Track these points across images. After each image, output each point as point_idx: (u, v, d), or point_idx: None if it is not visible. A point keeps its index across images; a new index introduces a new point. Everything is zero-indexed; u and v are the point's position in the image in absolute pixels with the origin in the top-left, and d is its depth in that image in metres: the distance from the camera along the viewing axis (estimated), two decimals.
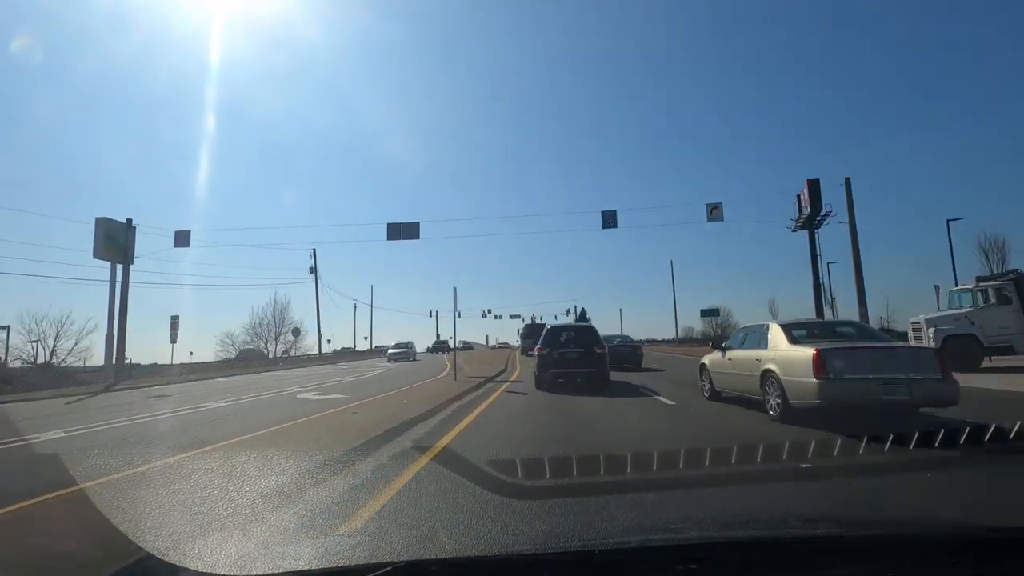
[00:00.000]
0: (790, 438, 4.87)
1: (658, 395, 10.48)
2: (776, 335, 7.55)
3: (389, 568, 1.19)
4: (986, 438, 4.78)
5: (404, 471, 4.61)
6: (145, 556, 2.10)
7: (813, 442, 4.58)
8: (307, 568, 1.27)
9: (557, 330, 13.34)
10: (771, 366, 7.15)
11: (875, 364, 6.40)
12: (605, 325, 59.66)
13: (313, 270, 42.13)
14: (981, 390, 9.81)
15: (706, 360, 9.69)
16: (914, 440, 4.51)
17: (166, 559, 1.39)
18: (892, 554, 1.33)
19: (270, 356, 48.02)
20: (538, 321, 31.87)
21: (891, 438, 4.61)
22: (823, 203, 21.57)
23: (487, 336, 72.20)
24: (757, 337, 8.09)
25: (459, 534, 2.17)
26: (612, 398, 10.17)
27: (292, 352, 50.47)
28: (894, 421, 5.94)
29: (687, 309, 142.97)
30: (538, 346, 12.73)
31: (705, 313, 55.63)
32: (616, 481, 3.97)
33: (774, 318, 29.23)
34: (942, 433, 4.60)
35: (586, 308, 62.27)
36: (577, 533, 1.87)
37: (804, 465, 4.30)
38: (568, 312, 57.86)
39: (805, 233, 22.89)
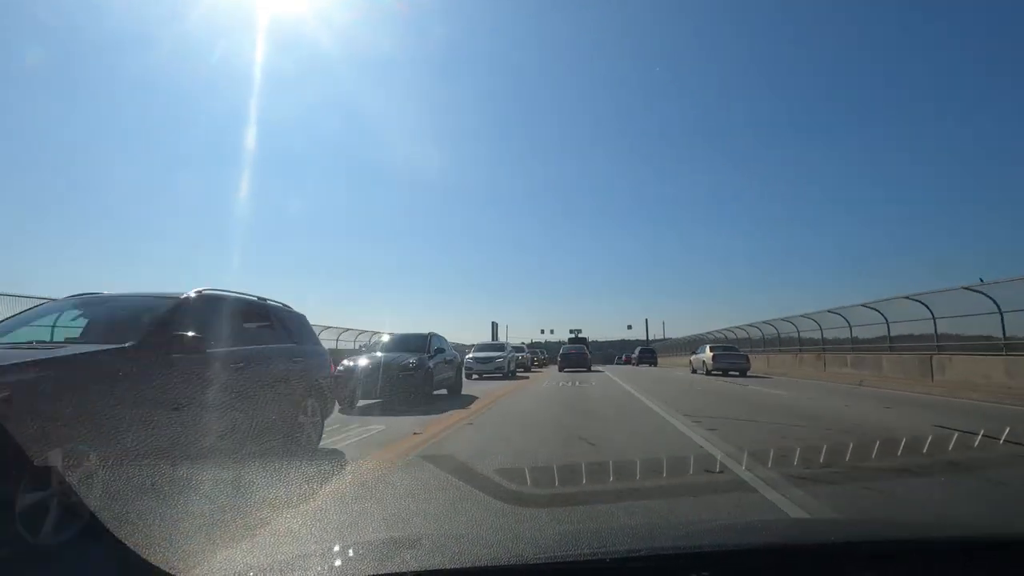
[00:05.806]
0: (799, 445, 4.83)
1: None
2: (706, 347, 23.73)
3: None
4: (1001, 440, 4.73)
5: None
6: None
7: (824, 447, 4.53)
8: None
9: (569, 344, 34.44)
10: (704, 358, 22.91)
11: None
12: None
13: None
14: None
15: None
16: (927, 443, 4.48)
17: None
18: (906, 559, 1.31)
19: None
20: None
21: (903, 441, 4.57)
22: None
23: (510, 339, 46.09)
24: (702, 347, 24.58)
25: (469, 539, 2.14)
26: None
27: None
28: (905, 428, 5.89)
29: None
30: (560, 353, 30.41)
31: None
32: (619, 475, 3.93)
33: None
34: (955, 437, 4.55)
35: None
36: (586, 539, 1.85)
37: (817, 471, 4.25)
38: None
39: None
